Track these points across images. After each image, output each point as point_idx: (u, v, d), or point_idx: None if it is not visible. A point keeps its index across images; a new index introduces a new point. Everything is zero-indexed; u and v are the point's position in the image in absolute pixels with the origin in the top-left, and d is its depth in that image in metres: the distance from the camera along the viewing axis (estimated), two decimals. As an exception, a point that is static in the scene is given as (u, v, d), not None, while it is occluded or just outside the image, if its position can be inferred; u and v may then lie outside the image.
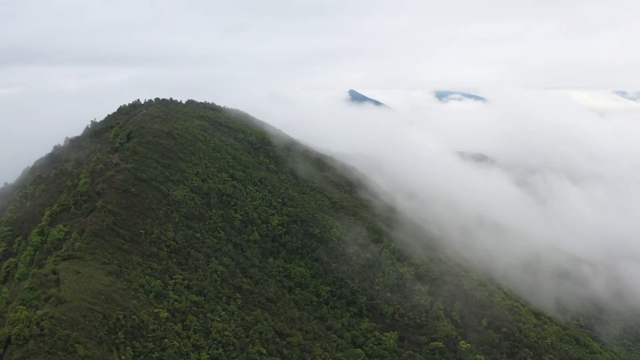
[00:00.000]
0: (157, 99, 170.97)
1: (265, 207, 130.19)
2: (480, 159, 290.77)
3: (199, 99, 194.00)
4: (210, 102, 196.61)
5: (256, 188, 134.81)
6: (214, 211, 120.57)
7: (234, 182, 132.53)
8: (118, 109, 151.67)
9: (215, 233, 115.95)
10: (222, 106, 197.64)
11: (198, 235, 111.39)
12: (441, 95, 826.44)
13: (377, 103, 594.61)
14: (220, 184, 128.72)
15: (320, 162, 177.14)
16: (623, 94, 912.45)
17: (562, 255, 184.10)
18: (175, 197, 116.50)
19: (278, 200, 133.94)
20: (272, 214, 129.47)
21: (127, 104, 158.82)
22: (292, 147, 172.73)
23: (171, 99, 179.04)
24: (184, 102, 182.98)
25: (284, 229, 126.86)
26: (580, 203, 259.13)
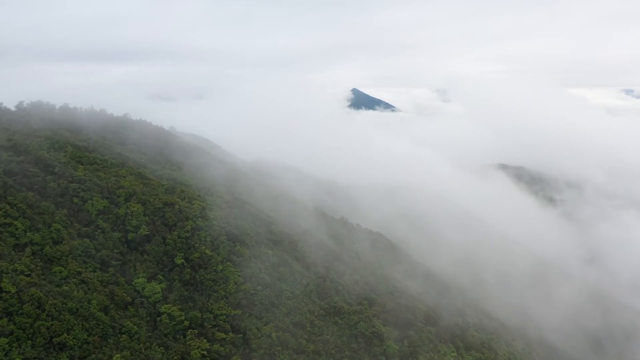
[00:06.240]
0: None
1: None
2: (498, 168, 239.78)
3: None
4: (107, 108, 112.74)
5: (127, 341, 48.20)
6: None
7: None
8: None
9: None
10: (127, 115, 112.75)
11: None
12: (444, 94, 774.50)
13: (380, 103, 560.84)
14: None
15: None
16: (629, 92, 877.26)
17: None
18: None
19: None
20: None
21: None
22: (245, 203, 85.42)
23: (32, 104, 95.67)
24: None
25: None
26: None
